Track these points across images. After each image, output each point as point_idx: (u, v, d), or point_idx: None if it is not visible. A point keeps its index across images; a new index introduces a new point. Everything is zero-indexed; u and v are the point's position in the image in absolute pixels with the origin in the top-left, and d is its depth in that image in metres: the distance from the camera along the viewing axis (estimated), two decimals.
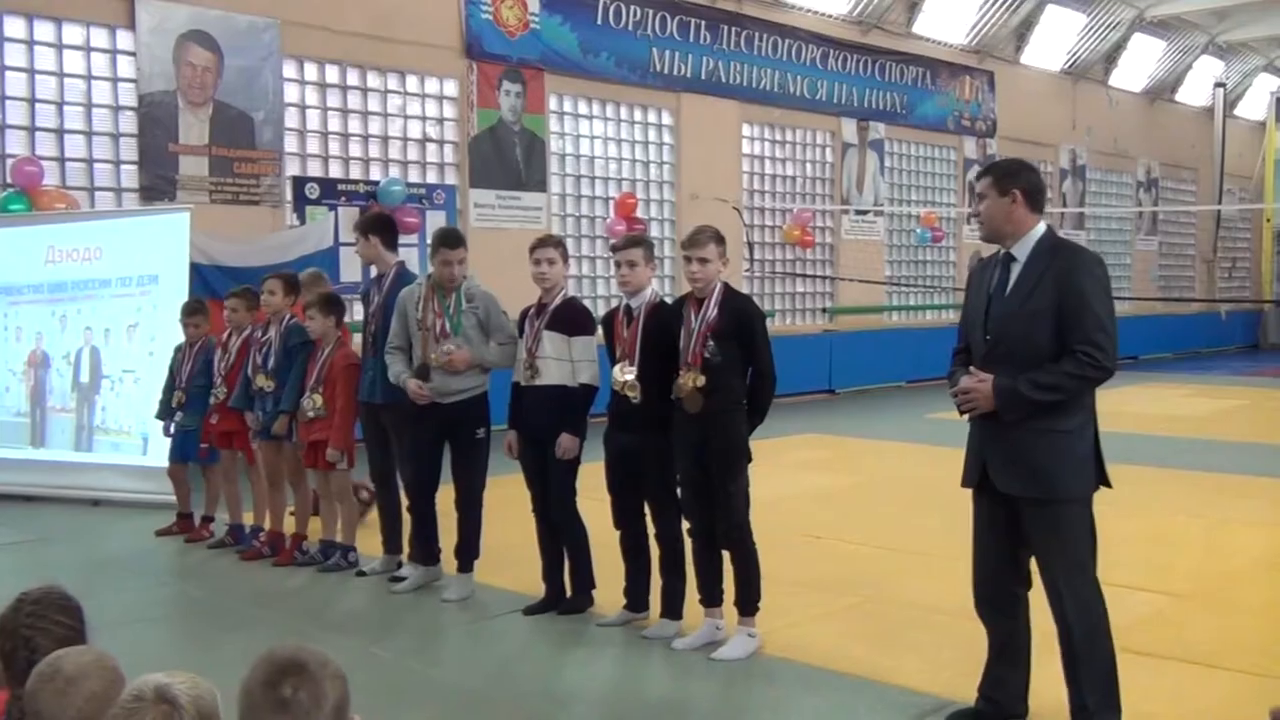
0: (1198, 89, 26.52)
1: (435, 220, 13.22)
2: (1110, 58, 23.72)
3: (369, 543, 6.93)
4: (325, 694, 2.01)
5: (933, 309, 20.37)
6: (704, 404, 5.00)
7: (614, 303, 14.66)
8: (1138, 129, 25.08)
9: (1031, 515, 3.89)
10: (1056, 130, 22.77)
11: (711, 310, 5.05)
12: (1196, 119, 26.78)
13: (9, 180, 10.20)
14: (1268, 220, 27.45)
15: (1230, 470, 10.09)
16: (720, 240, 5.15)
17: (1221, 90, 26.13)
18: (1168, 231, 26.74)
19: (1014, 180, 3.94)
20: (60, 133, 10.78)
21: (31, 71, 10.60)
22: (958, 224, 20.72)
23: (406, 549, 6.66)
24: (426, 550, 6.45)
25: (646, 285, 5.42)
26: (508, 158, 13.95)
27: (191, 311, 7.77)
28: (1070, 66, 22.86)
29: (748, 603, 5.11)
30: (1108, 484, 3.93)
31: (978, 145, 20.88)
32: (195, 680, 2.24)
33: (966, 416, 4.07)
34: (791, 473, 9.86)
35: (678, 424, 5.14)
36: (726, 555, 5.20)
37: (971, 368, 3.96)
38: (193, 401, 7.59)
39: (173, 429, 7.84)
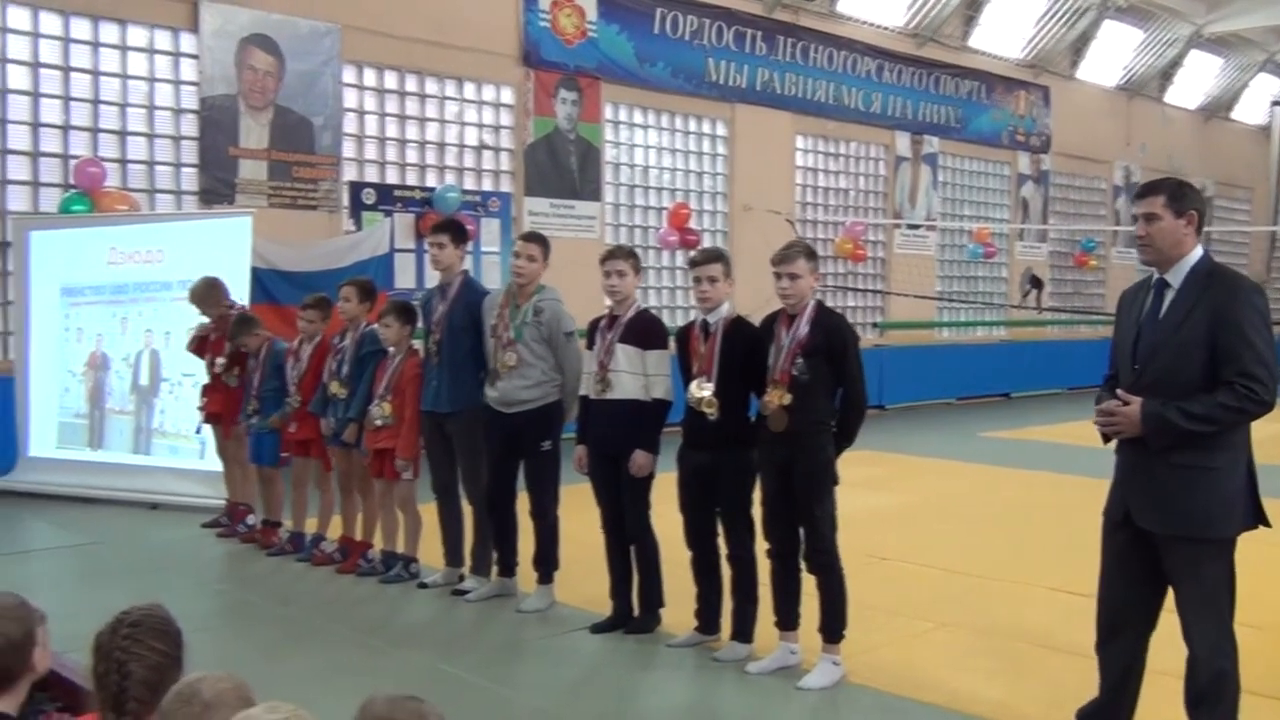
0: (1254, 107, 26.13)
1: (490, 228, 13.23)
2: (1166, 74, 23.40)
3: (430, 554, 6.84)
4: None
5: (984, 325, 20.13)
6: (789, 423, 4.90)
7: (665, 315, 14.79)
8: (1192, 147, 24.72)
9: (1170, 552, 3.72)
10: (1111, 146, 22.48)
11: (803, 327, 4.94)
12: (1252, 137, 26.38)
13: (72, 181, 10.23)
14: None
15: None
16: (812, 256, 5.05)
17: (1278, 108, 25.71)
18: (1221, 251, 26.24)
19: (1189, 201, 3.74)
20: (123, 134, 10.80)
21: (96, 73, 10.63)
22: (1010, 240, 20.48)
23: (468, 561, 6.60)
24: (503, 562, 6.40)
25: (725, 301, 5.32)
26: (562, 166, 13.90)
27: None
28: (1126, 82, 22.57)
29: (833, 630, 4.98)
30: (1266, 523, 3.74)
31: (1032, 161, 20.64)
32: (300, 716, 2.17)
33: (1112, 445, 3.90)
34: (847, 490, 9.68)
35: (763, 443, 5.04)
36: (809, 579, 5.08)
37: (1119, 391, 3.76)
38: (265, 407, 7.57)
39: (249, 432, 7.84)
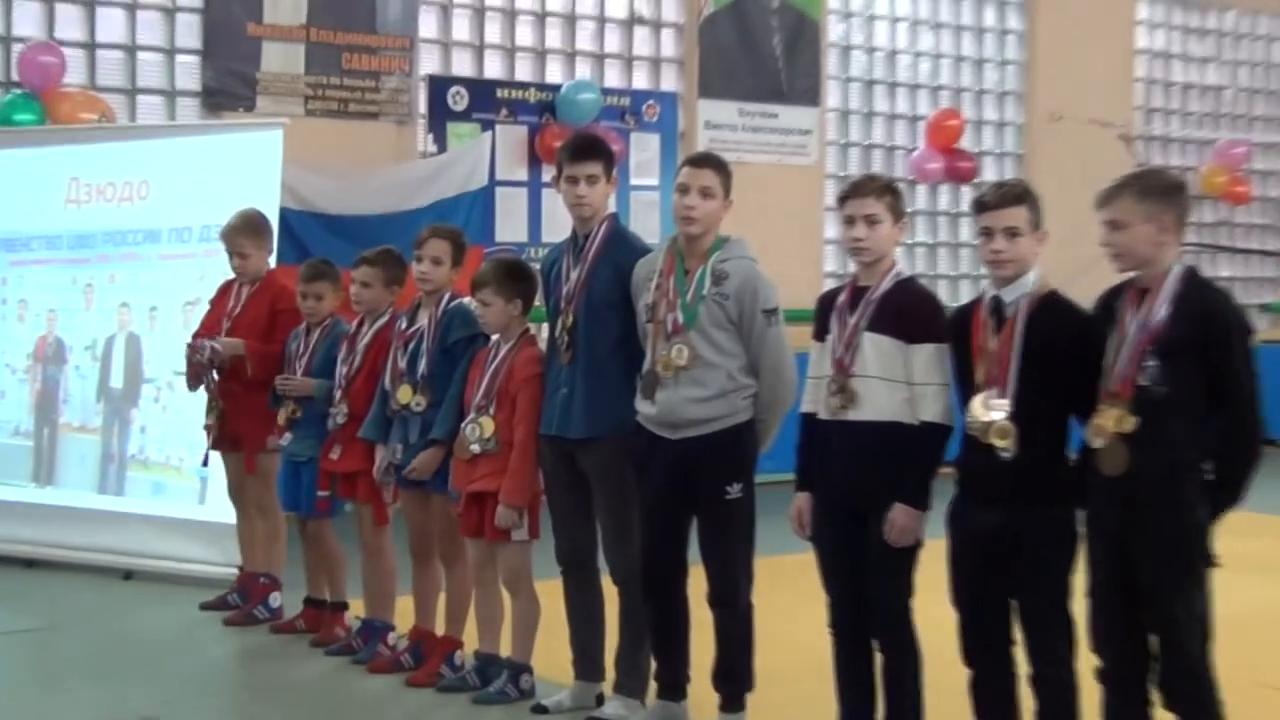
0: None
1: (644, 145, 13.33)
2: None
3: (551, 660, 6.93)
4: None
5: None
6: (1133, 462, 4.84)
7: (941, 287, 14.58)
8: None
9: None
10: None
11: (1159, 309, 4.87)
12: None
13: (14, 77, 10.67)
14: None
15: None
16: (1158, 194, 4.97)
17: None
18: None
19: None
20: (91, 5, 11.22)
21: None
22: None
23: (611, 673, 6.66)
24: (666, 675, 6.41)
25: (1029, 266, 5.27)
26: (760, 51, 13.95)
27: (313, 276, 7.91)
28: None
29: None
30: None
31: None
32: None
33: None
34: (1225, 577, 9.46)
35: (1093, 495, 5.01)
36: (1164, 716, 5.01)
37: None
38: (311, 418, 7.72)
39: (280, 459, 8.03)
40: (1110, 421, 4.88)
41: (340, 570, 7.92)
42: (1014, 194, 5.34)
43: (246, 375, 8.07)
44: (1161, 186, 5.06)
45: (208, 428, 8.39)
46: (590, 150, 6.72)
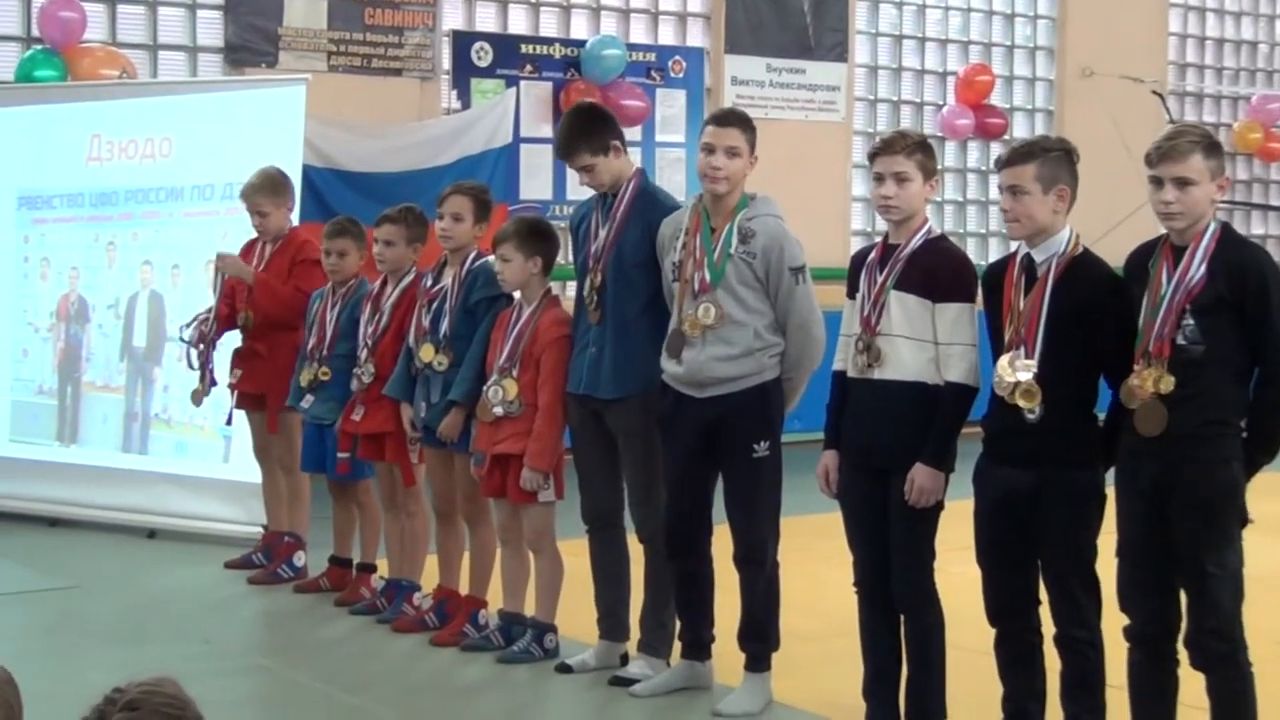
0: None
1: (669, 101, 13.30)
2: None
3: (575, 620, 6.96)
4: None
5: None
6: (1170, 421, 4.81)
7: (971, 245, 14.52)
8: None
9: None
10: None
11: (1196, 267, 4.84)
12: None
13: (36, 33, 10.69)
14: None
15: None
16: (1211, 150, 4.92)
17: None
18: None
19: None
20: None
21: None
22: None
23: (635, 632, 6.69)
24: (691, 635, 6.45)
25: (1056, 226, 5.23)
26: (788, 6, 13.92)
27: (336, 233, 7.91)
28: None
29: None
30: None
31: None
32: None
33: None
34: (1257, 536, 9.41)
35: (1126, 455, 4.99)
36: (1192, 677, 5.00)
37: None
38: (338, 379, 7.72)
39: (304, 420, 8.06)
40: (1148, 382, 4.85)
41: (376, 532, 7.97)
42: (1022, 152, 5.32)
43: (247, 296, 8.18)
44: (1217, 143, 5.03)
45: (231, 386, 8.45)
46: (570, 142, 6.64)
